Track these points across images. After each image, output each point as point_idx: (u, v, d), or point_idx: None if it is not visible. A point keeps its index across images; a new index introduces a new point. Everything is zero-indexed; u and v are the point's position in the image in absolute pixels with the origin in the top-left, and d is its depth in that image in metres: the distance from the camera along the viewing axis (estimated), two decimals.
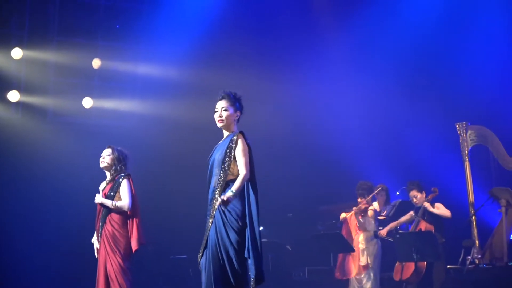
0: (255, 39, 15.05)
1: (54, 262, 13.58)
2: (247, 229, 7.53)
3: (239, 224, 7.53)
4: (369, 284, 12.50)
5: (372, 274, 12.56)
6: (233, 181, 7.59)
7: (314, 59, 15.29)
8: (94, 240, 9.44)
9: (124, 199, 9.19)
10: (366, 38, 15.09)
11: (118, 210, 9.20)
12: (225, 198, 7.34)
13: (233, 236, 7.52)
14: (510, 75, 14.25)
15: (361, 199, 12.71)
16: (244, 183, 7.56)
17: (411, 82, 14.88)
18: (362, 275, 12.51)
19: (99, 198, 9.26)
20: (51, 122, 14.40)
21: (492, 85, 14.15)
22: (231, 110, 7.86)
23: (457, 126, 13.24)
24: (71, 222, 13.29)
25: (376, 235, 12.66)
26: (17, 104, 14.09)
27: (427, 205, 12.36)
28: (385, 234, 12.75)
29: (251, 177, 7.67)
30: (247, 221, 7.54)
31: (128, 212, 9.25)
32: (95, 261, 9.46)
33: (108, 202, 9.17)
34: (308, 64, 15.27)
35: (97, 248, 9.38)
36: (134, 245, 9.19)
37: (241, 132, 7.72)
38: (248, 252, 7.48)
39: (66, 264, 13.60)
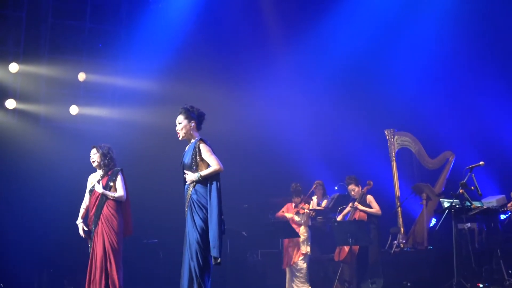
0: (216, 57, 15.19)
1: (45, 250, 13.62)
2: (209, 216, 7.91)
3: (203, 213, 7.92)
4: (305, 265, 12.82)
5: (308, 259, 12.91)
6: (201, 180, 8.00)
7: (265, 73, 15.39)
8: (79, 222, 9.60)
9: (119, 191, 9.47)
10: (310, 55, 15.26)
11: (115, 200, 9.45)
12: (191, 177, 7.99)
13: (198, 222, 7.92)
14: (430, 89, 14.53)
15: (298, 198, 13.02)
16: (212, 173, 8.01)
17: (349, 94, 15.06)
18: (300, 258, 12.82)
19: (100, 188, 9.47)
20: (42, 126, 14.43)
21: (415, 97, 14.43)
22: (185, 122, 8.23)
23: (385, 132, 13.55)
24: (61, 213, 13.13)
25: (309, 227, 12.99)
26: (14, 110, 14.13)
27: (359, 206, 12.62)
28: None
29: (215, 175, 8.06)
30: (209, 211, 7.93)
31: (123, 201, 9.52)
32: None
33: (109, 193, 9.41)
34: (260, 77, 15.44)
35: (83, 229, 9.53)
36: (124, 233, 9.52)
37: (201, 139, 8.09)
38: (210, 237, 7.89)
39: (56, 251, 13.68)
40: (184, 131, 8.23)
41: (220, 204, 8.05)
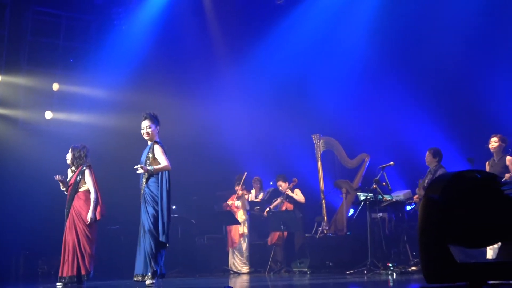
0: (171, 70, 15.11)
1: (22, 236, 13.60)
2: (159, 208, 8.15)
3: (155, 203, 8.16)
4: (245, 245, 13.08)
5: (247, 239, 13.18)
6: (153, 176, 8.22)
7: (212, 84, 15.40)
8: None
9: (91, 189, 9.39)
10: (250, 70, 15.26)
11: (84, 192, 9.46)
12: (142, 167, 8.13)
13: (150, 211, 8.19)
14: (350, 99, 14.54)
15: (239, 186, 13.28)
16: (161, 170, 8.21)
17: (282, 103, 14.99)
18: (240, 240, 13.08)
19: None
20: (21, 129, 14.34)
21: (337, 107, 14.46)
22: (153, 126, 8.45)
23: (313, 136, 13.71)
24: (36, 204, 13.36)
25: (248, 212, 13.24)
26: None
27: (289, 192, 12.98)
28: (265, 214, 13.34)
29: (164, 173, 8.28)
30: (159, 202, 8.17)
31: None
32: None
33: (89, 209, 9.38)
34: (209, 89, 15.47)
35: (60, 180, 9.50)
36: (97, 217, 9.42)
37: (156, 141, 8.32)
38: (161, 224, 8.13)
39: (32, 237, 13.64)
40: (152, 134, 8.44)
41: (169, 197, 8.28)
